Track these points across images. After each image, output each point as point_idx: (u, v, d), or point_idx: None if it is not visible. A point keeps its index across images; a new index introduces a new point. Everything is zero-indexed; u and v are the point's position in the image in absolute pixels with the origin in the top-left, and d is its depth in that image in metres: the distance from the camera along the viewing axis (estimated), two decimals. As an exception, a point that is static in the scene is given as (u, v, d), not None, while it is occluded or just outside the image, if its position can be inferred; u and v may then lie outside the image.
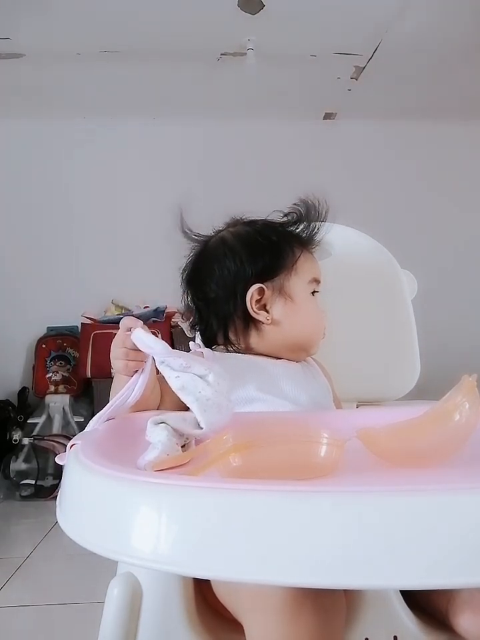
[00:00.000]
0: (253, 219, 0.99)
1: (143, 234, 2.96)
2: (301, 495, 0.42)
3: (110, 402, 0.71)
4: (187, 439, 0.65)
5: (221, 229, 0.99)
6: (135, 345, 0.70)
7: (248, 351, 0.94)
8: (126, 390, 0.72)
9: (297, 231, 0.99)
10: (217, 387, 0.67)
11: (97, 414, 0.70)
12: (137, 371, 0.73)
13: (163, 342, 0.69)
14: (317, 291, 0.97)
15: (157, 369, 0.71)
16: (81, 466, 0.52)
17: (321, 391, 0.95)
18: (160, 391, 0.80)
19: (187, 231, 0.99)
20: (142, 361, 0.73)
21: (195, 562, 0.42)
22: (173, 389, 0.68)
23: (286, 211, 1.00)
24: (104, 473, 0.49)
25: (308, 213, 0.99)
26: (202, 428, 0.65)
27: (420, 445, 0.57)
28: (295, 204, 1.00)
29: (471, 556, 0.38)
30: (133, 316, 0.72)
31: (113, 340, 0.74)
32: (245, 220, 0.99)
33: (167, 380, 0.69)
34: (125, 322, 0.73)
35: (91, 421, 0.69)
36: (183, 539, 0.43)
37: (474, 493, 0.40)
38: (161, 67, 2.59)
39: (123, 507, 0.46)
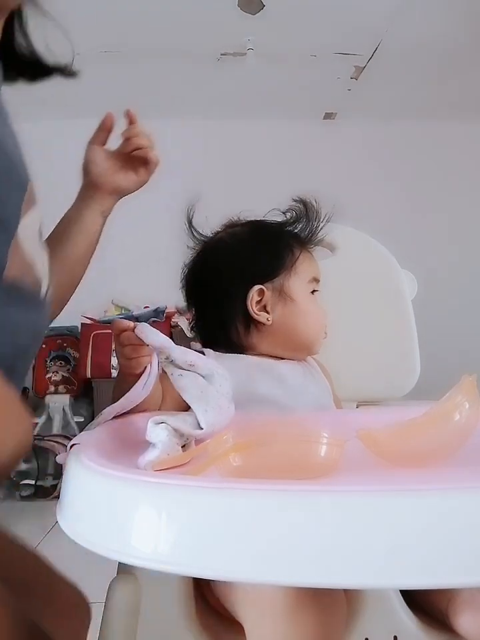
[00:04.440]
0: (250, 219, 0.99)
1: (143, 234, 2.96)
2: (301, 495, 0.42)
3: (120, 400, 0.70)
4: (187, 438, 0.65)
5: (218, 230, 0.99)
6: (139, 340, 0.69)
7: (250, 351, 0.94)
8: (137, 386, 0.71)
9: (296, 230, 0.99)
10: (219, 387, 0.67)
11: (104, 410, 0.69)
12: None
13: (168, 338, 0.69)
14: (317, 290, 0.97)
15: (159, 368, 0.70)
16: (81, 466, 0.52)
17: (321, 391, 0.95)
18: (162, 391, 0.80)
19: (194, 229, 0.98)
20: (151, 355, 0.71)
21: (195, 562, 0.42)
22: (175, 387, 0.67)
23: (284, 209, 1.00)
24: (104, 473, 0.48)
25: (306, 212, 0.99)
26: (202, 428, 0.65)
27: (420, 445, 0.56)
28: (293, 203, 1.00)
29: (471, 556, 0.38)
30: (132, 316, 0.72)
31: (116, 342, 0.73)
32: (242, 221, 0.99)
33: (169, 377, 0.68)
34: (118, 324, 0.71)
35: (101, 413, 0.68)
36: (183, 538, 0.43)
37: (474, 492, 0.40)
38: (161, 66, 2.59)
39: (123, 507, 0.46)
